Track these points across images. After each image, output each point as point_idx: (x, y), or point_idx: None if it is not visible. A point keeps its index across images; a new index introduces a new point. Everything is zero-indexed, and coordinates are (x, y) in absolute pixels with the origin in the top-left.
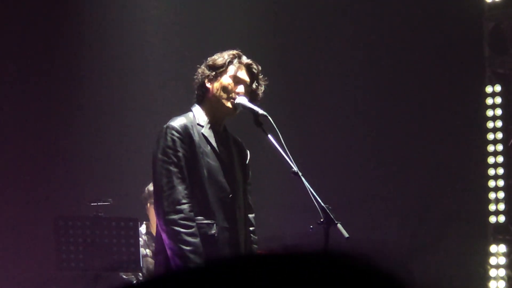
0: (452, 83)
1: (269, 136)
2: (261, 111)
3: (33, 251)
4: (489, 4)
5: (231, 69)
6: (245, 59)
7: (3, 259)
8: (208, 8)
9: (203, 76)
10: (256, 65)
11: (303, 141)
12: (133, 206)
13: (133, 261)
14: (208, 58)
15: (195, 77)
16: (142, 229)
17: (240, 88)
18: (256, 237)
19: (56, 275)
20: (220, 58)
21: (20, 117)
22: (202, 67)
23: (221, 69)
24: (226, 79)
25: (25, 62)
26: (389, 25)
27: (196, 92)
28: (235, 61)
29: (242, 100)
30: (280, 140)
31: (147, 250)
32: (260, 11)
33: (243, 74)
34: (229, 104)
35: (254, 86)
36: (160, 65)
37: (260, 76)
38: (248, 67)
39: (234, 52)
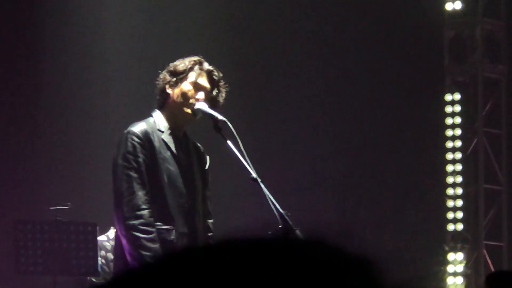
0: (412, 91)
1: (228, 142)
2: (220, 117)
3: None
4: (450, 12)
5: (192, 76)
6: (206, 66)
7: None
8: (170, 12)
9: (164, 82)
10: (217, 72)
11: (262, 147)
12: (92, 211)
13: (91, 265)
14: (170, 64)
15: (156, 82)
16: (110, 234)
17: (200, 95)
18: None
19: (14, 278)
20: (181, 64)
21: None
22: (164, 72)
23: (182, 75)
24: (186, 86)
25: None
26: (350, 32)
27: (157, 97)
28: (196, 67)
29: (202, 105)
30: (240, 146)
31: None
32: (220, 16)
33: (203, 81)
34: (188, 111)
35: (214, 92)
36: (121, 69)
37: (221, 83)
38: (209, 74)
39: (196, 58)
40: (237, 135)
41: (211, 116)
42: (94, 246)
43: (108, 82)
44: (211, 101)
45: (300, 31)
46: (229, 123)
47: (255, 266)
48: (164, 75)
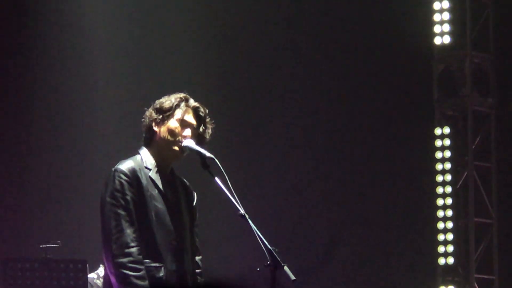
0: (401, 124)
1: (216, 178)
2: (208, 154)
3: None
4: (439, 46)
5: (178, 113)
6: (192, 102)
7: None
8: (156, 36)
9: (151, 120)
10: (203, 108)
11: (250, 183)
12: (82, 248)
13: None
14: (156, 101)
15: (142, 120)
16: (100, 271)
17: (187, 132)
18: (203, 280)
19: None
20: (167, 101)
21: None
22: (150, 110)
23: (168, 113)
24: (173, 123)
25: None
26: (338, 67)
27: (143, 134)
28: (182, 104)
29: (189, 143)
30: (227, 182)
31: None
32: (207, 42)
33: (190, 118)
34: (176, 148)
35: (201, 129)
36: (111, 106)
37: (207, 119)
38: (195, 110)
39: (182, 95)
40: (225, 172)
41: (199, 153)
42: (84, 284)
43: (97, 117)
44: (198, 137)
45: (286, 62)
46: (216, 160)
47: None
48: (150, 113)
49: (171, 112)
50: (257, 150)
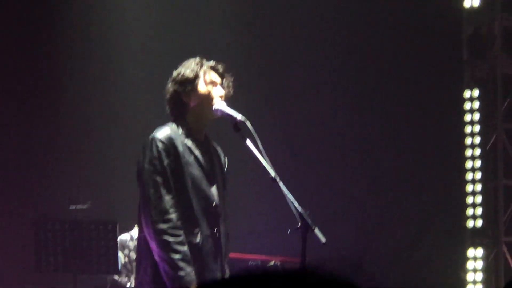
0: (430, 87)
1: (247, 141)
2: (239, 117)
3: (11, 253)
4: (468, 9)
5: (203, 76)
6: (209, 62)
7: None
8: (189, 12)
9: (177, 93)
10: (221, 64)
11: (282, 145)
12: (112, 209)
13: (111, 263)
14: (173, 74)
15: (167, 96)
16: (133, 233)
17: (219, 90)
18: (229, 242)
19: (35, 276)
20: (188, 69)
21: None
22: (171, 84)
23: (195, 80)
24: (203, 88)
25: (11, 63)
26: (368, 28)
27: (172, 110)
28: (203, 67)
29: (221, 105)
30: (258, 145)
31: None
32: (242, 12)
33: (214, 76)
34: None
35: (224, 84)
36: (147, 70)
37: (226, 73)
38: (214, 69)
39: (197, 60)
40: (256, 134)
41: (230, 116)
42: (114, 244)
43: (133, 80)
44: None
45: (321, 32)
46: (247, 123)
47: None
48: (174, 87)
49: (198, 78)
50: (290, 110)
